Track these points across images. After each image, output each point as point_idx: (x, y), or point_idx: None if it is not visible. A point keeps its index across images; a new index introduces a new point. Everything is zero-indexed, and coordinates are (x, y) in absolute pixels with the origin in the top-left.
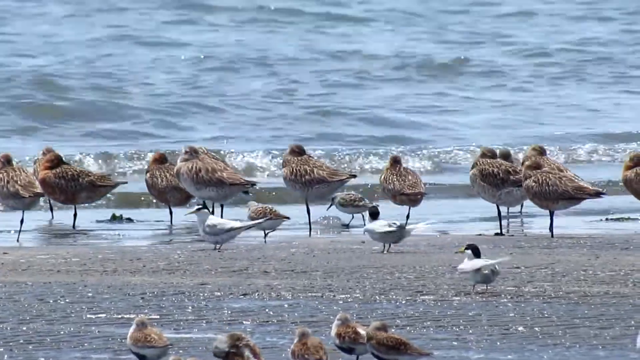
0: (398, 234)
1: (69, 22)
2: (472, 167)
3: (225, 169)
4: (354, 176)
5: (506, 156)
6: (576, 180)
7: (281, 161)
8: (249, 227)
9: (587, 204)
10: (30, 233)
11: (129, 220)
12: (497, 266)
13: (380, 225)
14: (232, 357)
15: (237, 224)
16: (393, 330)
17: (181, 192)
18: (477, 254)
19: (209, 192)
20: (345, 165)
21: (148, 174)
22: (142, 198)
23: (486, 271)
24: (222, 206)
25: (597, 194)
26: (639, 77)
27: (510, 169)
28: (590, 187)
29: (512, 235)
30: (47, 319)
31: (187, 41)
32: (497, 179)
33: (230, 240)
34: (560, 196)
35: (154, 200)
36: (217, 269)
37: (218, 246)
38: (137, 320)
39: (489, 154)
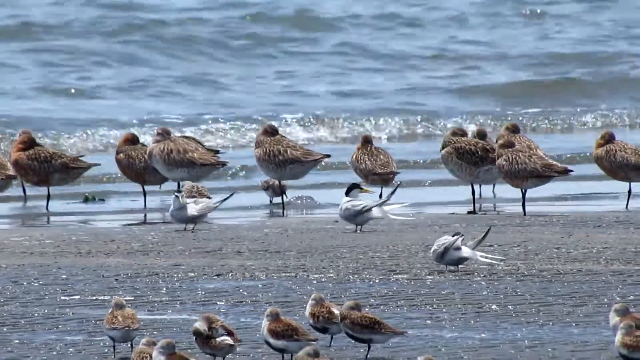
0: (360, 216)
1: None
2: (443, 147)
3: (196, 150)
4: (328, 156)
5: (483, 136)
6: (546, 158)
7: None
8: (217, 206)
9: None
10: (3, 215)
11: (102, 201)
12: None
13: (346, 203)
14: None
15: (202, 208)
16: (367, 309)
17: (160, 173)
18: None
19: (181, 173)
20: None
21: (122, 155)
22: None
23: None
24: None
25: (566, 172)
26: None
27: (487, 147)
28: (559, 165)
29: (485, 214)
30: (21, 301)
31: None
32: (475, 156)
33: (202, 220)
34: (529, 174)
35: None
36: (190, 250)
37: (191, 227)
38: (113, 301)
39: (460, 132)
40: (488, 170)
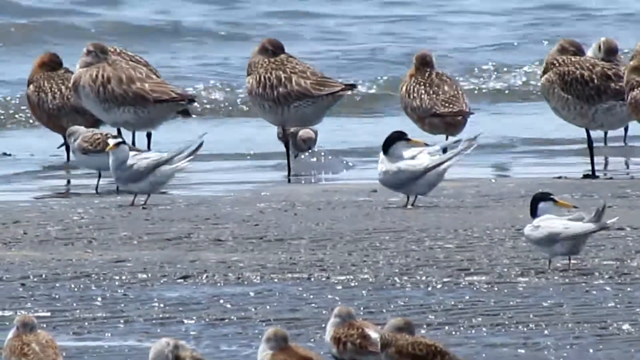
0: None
1: None
2: (545, 71)
3: (148, 78)
4: (354, 86)
5: (611, 52)
6: None
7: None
8: (189, 157)
9: None
10: None
11: (6, 155)
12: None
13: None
14: None
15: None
16: (423, 331)
17: (85, 116)
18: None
19: (124, 113)
20: None
21: (32, 87)
22: None
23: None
24: (149, 137)
25: None
26: None
27: (609, 72)
28: None
29: (611, 178)
30: None
31: None
32: (589, 87)
33: (161, 187)
34: None
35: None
36: (141, 237)
37: (142, 199)
38: (18, 320)
39: (572, 48)
40: (609, 109)
